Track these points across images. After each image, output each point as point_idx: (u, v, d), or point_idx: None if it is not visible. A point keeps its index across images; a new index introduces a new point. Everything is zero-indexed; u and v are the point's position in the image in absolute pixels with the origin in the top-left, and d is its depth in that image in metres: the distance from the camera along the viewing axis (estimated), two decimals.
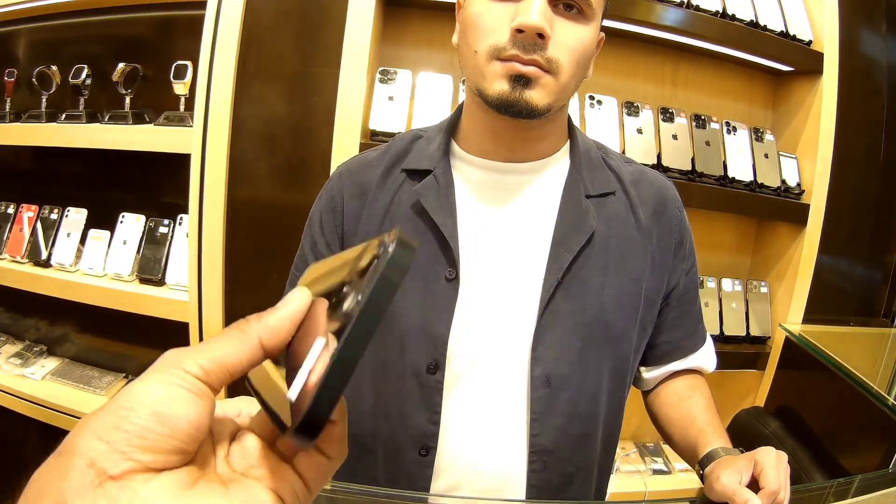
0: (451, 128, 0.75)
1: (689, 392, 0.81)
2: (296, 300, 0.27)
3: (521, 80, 0.61)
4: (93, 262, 1.42)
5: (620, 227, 0.72)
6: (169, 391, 0.22)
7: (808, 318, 1.45)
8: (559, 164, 0.74)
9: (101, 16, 1.54)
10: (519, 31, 0.60)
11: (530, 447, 0.69)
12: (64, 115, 1.46)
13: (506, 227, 0.70)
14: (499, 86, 0.62)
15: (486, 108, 0.65)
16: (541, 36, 0.60)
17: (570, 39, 0.62)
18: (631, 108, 1.29)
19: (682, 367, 0.82)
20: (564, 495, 0.72)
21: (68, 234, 1.47)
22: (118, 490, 0.21)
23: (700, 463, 0.71)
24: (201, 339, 1.33)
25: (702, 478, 0.70)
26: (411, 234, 0.73)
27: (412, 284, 0.69)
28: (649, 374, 0.82)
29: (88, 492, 0.20)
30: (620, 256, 0.71)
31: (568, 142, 0.76)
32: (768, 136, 1.40)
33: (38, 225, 1.49)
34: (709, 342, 0.86)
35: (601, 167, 0.75)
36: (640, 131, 1.28)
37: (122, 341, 1.54)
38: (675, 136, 1.30)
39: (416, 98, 1.22)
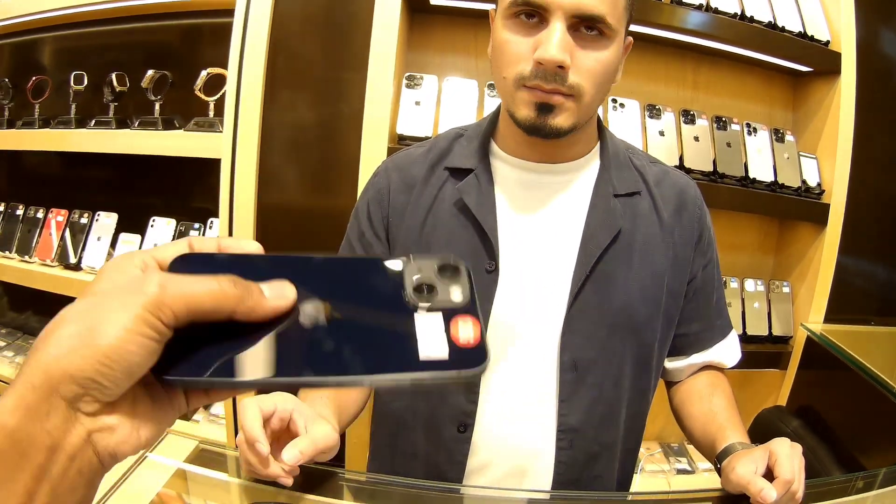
0: (491, 128, 0.80)
1: (711, 390, 0.84)
2: (288, 293, 0.27)
3: (545, 108, 0.66)
4: None
5: (645, 225, 0.76)
6: (145, 348, 0.24)
7: (830, 317, 1.46)
8: (590, 166, 0.78)
9: (129, 24, 1.57)
10: (540, 63, 0.64)
11: (558, 426, 0.74)
12: (94, 121, 1.50)
13: (540, 223, 0.75)
14: (525, 112, 0.67)
15: (515, 125, 0.70)
16: (561, 67, 0.64)
17: (590, 64, 0.66)
18: (653, 111, 1.31)
19: (703, 359, 0.85)
20: (590, 472, 0.77)
21: (99, 238, 1.50)
22: (91, 423, 0.24)
23: (718, 457, 0.74)
24: None
25: (719, 472, 0.74)
26: (454, 230, 0.75)
27: None
28: (671, 364, 0.86)
29: (71, 425, 0.24)
30: (644, 252, 0.76)
31: (598, 143, 0.80)
32: (788, 137, 1.41)
33: (67, 229, 1.53)
34: (731, 337, 0.88)
35: (628, 167, 0.79)
36: (662, 133, 1.30)
37: None
38: (696, 138, 1.32)
39: (442, 103, 1.24)
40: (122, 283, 0.26)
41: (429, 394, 0.76)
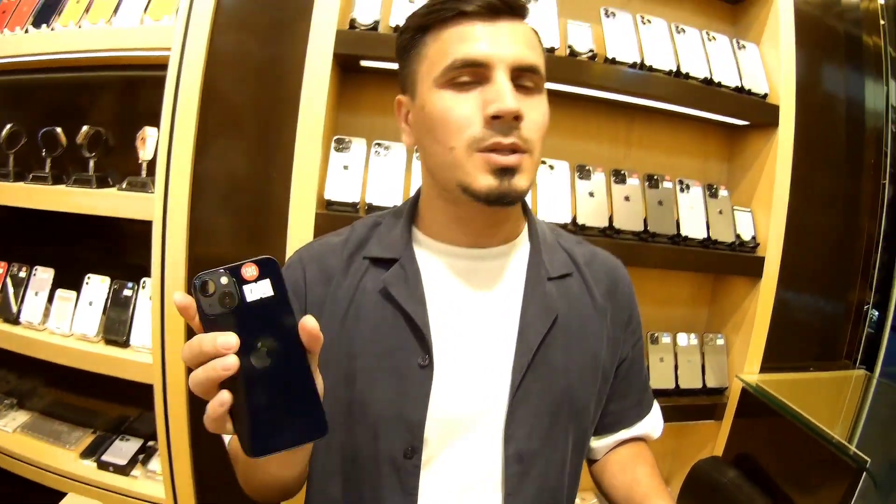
0: (411, 215, 0.77)
1: (633, 460, 0.83)
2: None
3: (506, 172, 0.63)
4: (60, 321, 1.44)
5: (579, 307, 0.75)
6: None
7: (768, 366, 1.47)
8: (521, 248, 0.76)
9: (64, 73, 1.56)
10: (495, 117, 0.62)
11: None
12: (31, 176, 1.48)
13: (474, 312, 0.72)
14: (485, 180, 0.64)
15: (460, 199, 0.67)
16: (517, 118, 0.62)
17: (536, 116, 0.65)
18: (583, 172, 1.31)
19: (630, 434, 0.85)
20: None
21: (36, 293, 1.49)
22: None
23: None
24: (165, 400, 1.35)
25: None
26: (380, 322, 0.72)
27: (383, 372, 0.70)
28: (598, 443, 0.85)
29: None
30: (580, 336, 0.74)
31: (526, 224, 0.78)
32: (722, 192, 1.42)
33: (9, 282, 1.51)
34: (655, 409, 0.89)
35: (557, 249, 0.78)
36: (591, 194, 1.30)
37: (90, 397, 1.56)
38: (627, 198, 1.32)
39: (371, 167, 1.24)
40: None
41: (361, 499, 0.70)
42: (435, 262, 0.74)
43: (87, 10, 1.47)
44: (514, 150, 0.63)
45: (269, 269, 0.45)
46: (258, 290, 0.44)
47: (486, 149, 0.63)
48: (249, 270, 0.44)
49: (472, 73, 0.64)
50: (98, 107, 1.53)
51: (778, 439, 1.42)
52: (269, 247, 1.31)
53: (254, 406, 0.44)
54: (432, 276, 0.73)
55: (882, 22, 1.83)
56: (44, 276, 1.49)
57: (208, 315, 0.43)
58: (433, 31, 0.67)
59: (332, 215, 1.20)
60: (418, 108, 0.69)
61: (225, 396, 0.44)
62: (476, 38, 0.64)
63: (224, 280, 0.44)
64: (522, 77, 0.65)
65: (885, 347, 1.78)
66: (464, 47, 0.64)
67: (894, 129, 1.78)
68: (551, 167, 1.29)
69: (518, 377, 0.69)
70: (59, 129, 1.48)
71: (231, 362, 0.43)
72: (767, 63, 1.46)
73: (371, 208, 1.21)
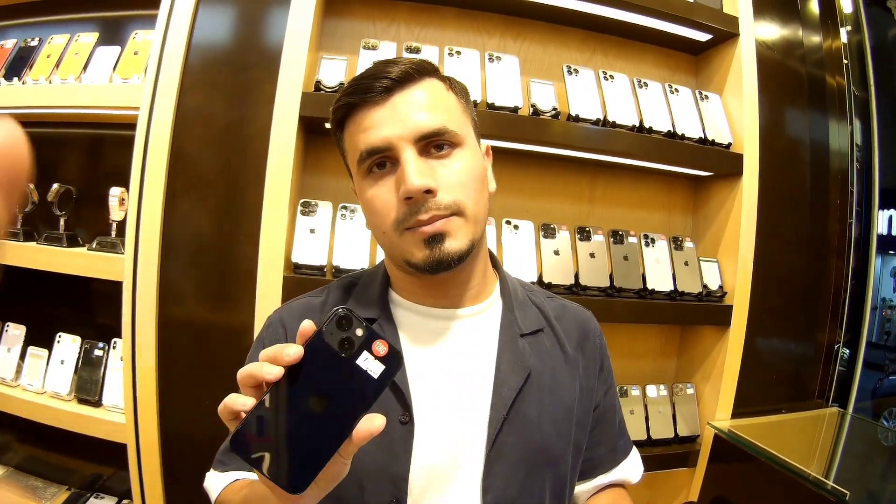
0: (386, 276, 0.79)
1: None
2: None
3: (435, 239, 0.66)
4: (32, 378, 1.45)
5: (551, 361, 0.78)
6: None
7: (739, 411, 1.48)
8: (493, 307, 0.79)
9: (33, 128, 1.56)
10: (407, 198, 0.64)
11: None
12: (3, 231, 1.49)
13: (451, 369, 0.74)
14: (420, 253, 0.67)
15: (410, 270, 0.70)
16: (428, 192, 0.64)
17: (455, 177, 0.67)
18: (548, 231, 1.32)
19: (608, 480, 0.86)
20: None
21: (8, 350, 1.49)
22: None
23: None
24: (139, 459, 1.35)
25: None
26: None
27: None
28: (578, 488, 0.86)
29: None
30: (553, 389, 0.77)
31: (498, 284, 0.81)
32: (688, 244, 1.44)
33: None
34: (633, 454, 0.90)
35: (528, 305, 0.81)
36: (557, 252, 1.31)
37: (63, 454, 1.55)
38: (592, 255, 1.33)
39: (337, 230, 1.25)
40: None
41: None
42: (411, 322, 0.76)
43: (57, 66, 1.48)
44: (437, 220, 0.66)
45: (391, 361, 0.47)
46: (369, 365, 0.46)
47: (411, 227, 0.66)
48: (380, 347, 0.47)
49: (381, 158, 0.67)
50: (66, 163, 1.53)
51: (753, 481, 1.44)
52: (239, 308, 1.32)
53: (277, 423, 0.46)
54: (409, 335, 0.75)
55: (845, 61, 1.86)
56: (15, 332, 1.49)
57: (322, 337, 0.46)
58: (344, 125, 0.71)
59: (299, 278, 1.21)
60: (359, 194, 0.73)
61: (245, 399, 0.47)
62: (373, 125, 0.67)
63: (359, 332, 0.46)
64: (431, 143, 0.67)
65: (857, 384, 1.81)
66: (365, 138, 0.67)
67: (859, 168, 1.81)
68: (516, 227, 1.30)
69: (494, 431, 0.72)
70: (31, 185, 1.48)
71: (275, 371, 0.46)
72: (730, 112, 1.48)
73: (338, 271, 1.22)
